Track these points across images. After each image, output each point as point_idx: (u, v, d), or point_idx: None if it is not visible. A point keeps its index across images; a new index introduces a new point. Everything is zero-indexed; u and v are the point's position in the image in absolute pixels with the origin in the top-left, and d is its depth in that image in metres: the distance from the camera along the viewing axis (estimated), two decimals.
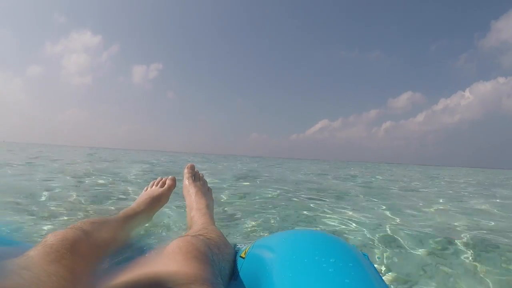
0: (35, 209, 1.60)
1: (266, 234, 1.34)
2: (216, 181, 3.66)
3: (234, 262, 0.67)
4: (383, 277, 0.57)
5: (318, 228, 1.54)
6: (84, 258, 0.58)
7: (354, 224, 1.61)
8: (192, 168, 1.30)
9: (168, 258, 0.50)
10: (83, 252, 0.59)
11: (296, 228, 1.54)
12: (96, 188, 2.57)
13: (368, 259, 0.60)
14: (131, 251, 0.81)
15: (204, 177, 1.33)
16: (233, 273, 0.64)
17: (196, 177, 1.28)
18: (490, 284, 0.94)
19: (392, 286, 0.88)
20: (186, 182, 1.24)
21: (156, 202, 1.17)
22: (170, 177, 1.28)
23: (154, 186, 1.25)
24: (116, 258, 0.73)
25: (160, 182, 1.27)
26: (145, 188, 1.27)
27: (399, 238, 1.37)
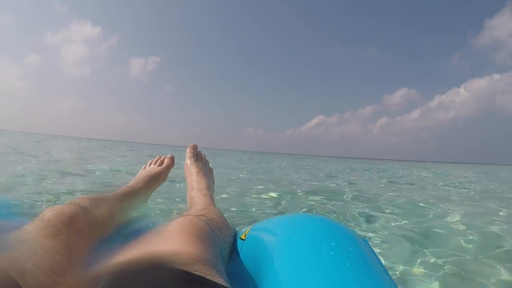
0: None
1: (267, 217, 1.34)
2: None
3: (234, 243, 0.67)
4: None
5: None
6: (81, 234, 0.58)
7: None
8: (194, 148, 1.28)
9: (170, 237, 0.49)
10: (80, 228, 0.59)
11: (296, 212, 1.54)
12: None
13: (368, 244, 0.60)
14: (130, 228, 0.81)
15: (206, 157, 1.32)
16: (233, 255, 0.63)
17: (198, 157, 1.27)
18: None
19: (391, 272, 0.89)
20: (188, 162, 1.23)
21: (154, 180, 1.16)
22: (168, 155, 1.27)
23: (152, 165, 1.24)
24: (115, 235, 0.72)
25: (159, 160, 1.26)
26: (143, 167, 1.26)
27: None
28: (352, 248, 0.53)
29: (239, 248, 0.64)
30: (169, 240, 0.49)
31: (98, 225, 0.67)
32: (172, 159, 1.25)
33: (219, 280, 0.39)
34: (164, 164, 1.23)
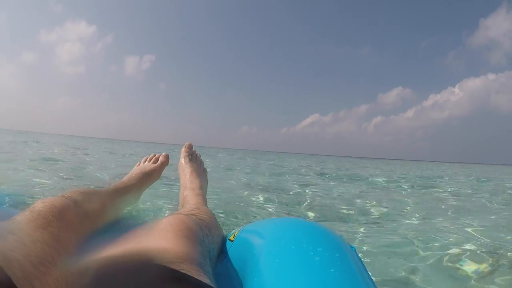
0: None
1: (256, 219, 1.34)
2: None
3: (223, 244, 0.67)
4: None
5: None
6: (71, 227, 0.58)
7: None
8: (189, 147, 1.28)
9: (159, 235, 0.50)
10: (71, 221, 0.59)
11: (286, 216, 1.55)
12: None
13: (356, 252, 0.61)
14: (121, 224, 0.81)
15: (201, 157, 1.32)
16: (221, 255, 0.64)
17: (193, 156, 1.27)
18: None
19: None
20: (182, 161, 1.23)
21: (148, 177, 1.16)
22: (163, 153, 1.28)
23: (146, 162, 1.25)
24: (105, 230, 0.72)
25: (153, 158, 1.26)
26: (138, 163, 1.26)
27: None
28: (338, 255, 0.53)
29: (227, 249, 0.64)
30: (158, 237, 0.50)
31: (89, 219, 0.68)
32: (166, 157, 1.26)
33: (205, 279, 0.40)
34: (159, 162, 1.23)
